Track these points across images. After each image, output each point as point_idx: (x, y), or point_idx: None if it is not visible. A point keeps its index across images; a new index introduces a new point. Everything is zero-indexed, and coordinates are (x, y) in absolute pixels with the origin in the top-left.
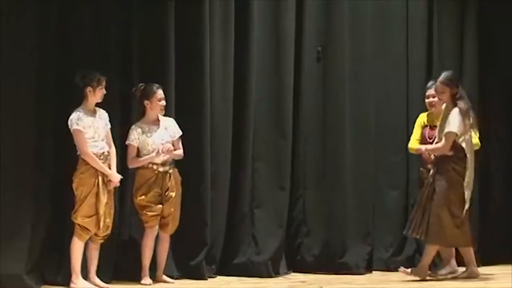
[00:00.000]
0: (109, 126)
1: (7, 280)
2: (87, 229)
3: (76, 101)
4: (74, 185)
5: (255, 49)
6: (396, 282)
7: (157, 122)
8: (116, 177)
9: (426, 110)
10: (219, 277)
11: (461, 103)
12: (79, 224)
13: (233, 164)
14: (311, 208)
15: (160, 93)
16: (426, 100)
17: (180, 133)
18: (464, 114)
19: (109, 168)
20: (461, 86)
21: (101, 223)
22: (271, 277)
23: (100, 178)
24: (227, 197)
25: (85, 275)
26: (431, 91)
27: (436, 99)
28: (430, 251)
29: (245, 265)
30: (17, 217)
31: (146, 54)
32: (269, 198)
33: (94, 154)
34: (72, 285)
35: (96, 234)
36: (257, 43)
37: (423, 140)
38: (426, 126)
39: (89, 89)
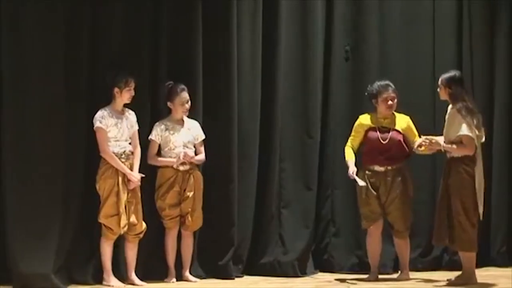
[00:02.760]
0: (136, 127)
1: (35, 280)
2: (111, 228)
3: (106, 101)
4: (97, 185)
5: (283, 48)
6: (422, 282)
7: (181, 122)
8: (135, 177)
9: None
10: (246, 277)
11: (458, 104)
12: (104, 224)
13: (260, 164)
14: (339, 208)
15: (183, 96)
16: (386, 103)
17: (203, 136)
18: (463, 114)
19: (131, 168)
20: (462, 87)
21: (122, 222)
22: (298, 276)
23: (120, 177)
24: (254, 197)
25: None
26: (390, 93)
27: (395, 101)
28: (467, 258)
29: (272, 265)
30: (45, 217)
31: (174, 55)
32: (297, 198)
33: (115, 153)
34: (104, 282)
35: (127, 233)
36: (285, 42)
37: (373, 143)
38: (372, 128)
39: (116, 89)
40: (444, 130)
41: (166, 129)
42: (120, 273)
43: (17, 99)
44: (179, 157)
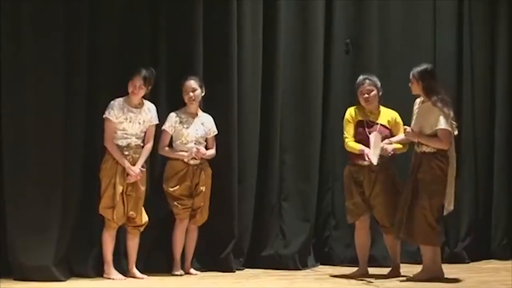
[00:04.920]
0: (154, 121)
1: (36, 272)
2: (109, 219)
3: (107, 95)
4: (100, 175)
5: (283, 40)
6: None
7: (195, 115)
8: (133, 171)
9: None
10: (246, 270)
11: (433, 97)
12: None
13: (260, 156)
14: (340, 200)
15: (187, 84)
16: (362, 96)
17: (216, 132)
18: (440, 106)
19: (135, 162)
20: (436, 80)
21: (116, 214)
22: (299, 269)
23: (119, 170)
24: (254, 189)
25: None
26: (365, 86)
27: (372, 94)
28: (426, 252)
29: (272, 257)
30: (46, 209)
31: (174, 47)
32: (297, 190)
33: (119, 146)
34: (105, 275)
35: (127, 225)
36: (286, 34)
37: (362, 137)
38: (361, 121)
39: (129, 83)
40: (414, 124)
41: (180, 122)
42: (121, 267)
43: (17, 92)
44: (191, 153)
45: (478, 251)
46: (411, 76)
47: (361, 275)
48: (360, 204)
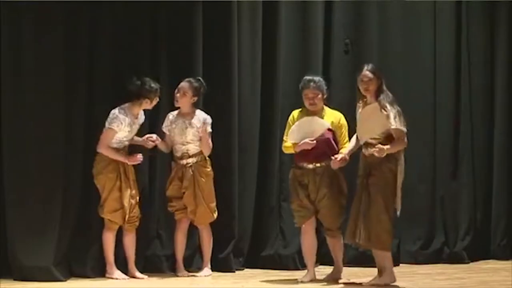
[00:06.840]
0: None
1: (36, 272)
2: (115, 222)
3: (106, 98)
4: (96, 181)
5: (283, 41)
6: (421, 275)
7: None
8: (131, 158)
9: (302, 107)
10: (246, 270)
11: (381, 96)
12: (108, 218)
13: (260, 157)
14: None
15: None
16: (307, 100)
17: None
18: (388, 105)
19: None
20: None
21: (127, 216)
22: (298, 270)
23: (121, 172)
24: (254, 190)
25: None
26: (310, 90)
27: (317, 98)
28: (383, 257)
29: (272, 258)
30: (46, 210)
31: (174, 49)
32: None
33: (113, 148)
34: (107, 275)
35: (126, 223)
36: (285, 35)
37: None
38: None
39: (146, 100)
40: (359, 129)
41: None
42: (120, 267)
43: (17, 92)
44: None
45: (478, 251)
46: (370, 73)
47: (311, 280)
48: (307, 206)
